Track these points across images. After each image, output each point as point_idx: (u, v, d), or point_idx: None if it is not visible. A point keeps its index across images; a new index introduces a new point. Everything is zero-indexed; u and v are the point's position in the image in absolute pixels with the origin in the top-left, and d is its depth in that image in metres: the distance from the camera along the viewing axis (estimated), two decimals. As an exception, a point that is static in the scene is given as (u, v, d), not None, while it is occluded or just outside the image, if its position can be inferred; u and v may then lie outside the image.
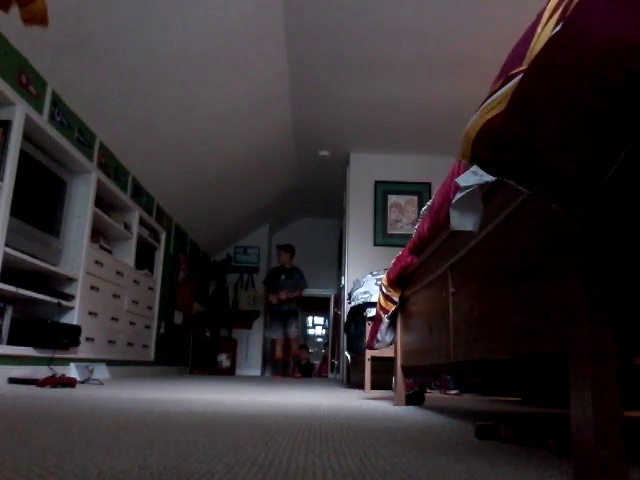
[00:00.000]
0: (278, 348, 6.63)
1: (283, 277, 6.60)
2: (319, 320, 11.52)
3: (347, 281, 5.61)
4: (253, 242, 8.26)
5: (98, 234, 4.07)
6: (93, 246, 3.82)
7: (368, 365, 3.62)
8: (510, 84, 0.67)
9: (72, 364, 3.34)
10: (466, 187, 1.03)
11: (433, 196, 1.56)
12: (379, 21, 3.74)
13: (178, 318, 6.31)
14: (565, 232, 0.75)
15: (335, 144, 5.84)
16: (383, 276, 2.35)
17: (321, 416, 1.58)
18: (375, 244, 5.71)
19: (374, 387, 3.67)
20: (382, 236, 5.73)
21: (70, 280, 3.49)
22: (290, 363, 6.82)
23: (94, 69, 3.28)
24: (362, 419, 1.56)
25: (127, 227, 4.51)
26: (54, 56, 3.01)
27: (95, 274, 3.80)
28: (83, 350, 3.56)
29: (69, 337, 3.26)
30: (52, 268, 3.23)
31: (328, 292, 8.63)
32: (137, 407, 1.64)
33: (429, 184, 5.75)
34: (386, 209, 5.81)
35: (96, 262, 3.82)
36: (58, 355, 3.17)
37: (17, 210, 2.88)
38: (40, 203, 3.22)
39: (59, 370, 3.10)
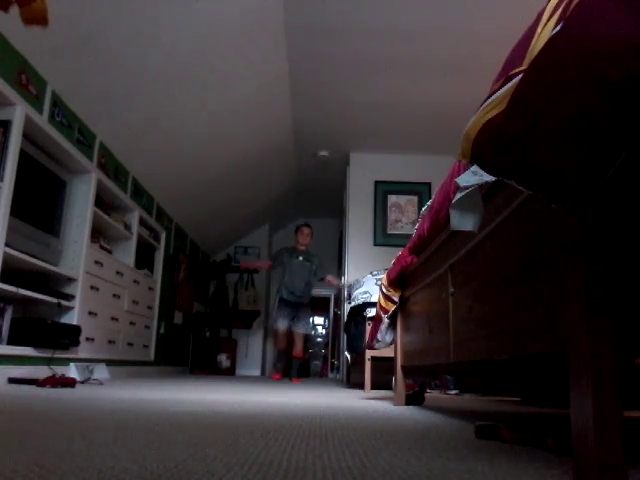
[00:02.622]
0: (282, 339, 5.45)
1: (301, 259, 5.41)
2: (319, 320, 11.52)
3: (347, 281, 5.61)
4: (253, 242, 8.26)
5: (98, 234, 4.07)
6: (93, 246, 3.82)
7: (368, 365, 3.62)
8: (510, 84, 0.67)
9: (72, 364, 3.34)
10: (466, 187, 1.03)
11: (433, 196, 1.56)
12: (379, 21, 3.74)
13: (178, 318, 6.31)
14: (565, 232, 0.75)
15: (335, 144, 5.84)
16: (383, 276, 2.35)
17: (321, 416, 1.58)
18: (375, 244, 5.72)
19: (374, 387, 3.67)
20: (382, 236, 5.74)
21: (70, 280, 3.49)
22: (293, 364, 5.59)
23: (94, 69, 3.28)
24: (362, 419, 1.56)
25: (127, 227, 4.51)
26: (54, 56, 3.01)
27: (95, 274, 3.80)
28: (83, 350, 3.56)
29: (69, 337, 3.26)
30: (52, 268, 3.23)
31: (328, 292, 8.63)
32: (137, 407, 1.64)
33: (429, 184, 5.75)
34: (386, 209, 5.81)
35: (96, 262, 3.82)
36: (58, 355, 3.17)
37: (17, 210, 2.87)
38: (40, 203, 3.22)
39: (59, 370, 3.10)
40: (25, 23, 2.67)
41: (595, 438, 0.64)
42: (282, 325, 5.43)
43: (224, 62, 3.92)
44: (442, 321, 1.56)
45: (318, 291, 8.62)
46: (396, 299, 2.22)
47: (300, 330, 5.45)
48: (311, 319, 5.68)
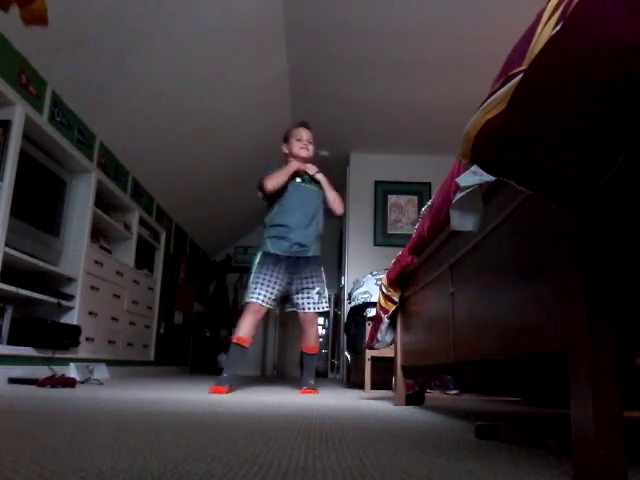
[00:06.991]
0: (251, 323, 3.13)
1: (300, 180, 3.48)
2: (319, 320, 11.50)
3: (347, 281, 5.61)
4: (253, 242, 8.25)
5: (98, 234, 4.07)
6: (93, 246, 3.82)
7: (368, 365, 3.62)
8: (510, 84, 0.67)
9: (72, 364, 3.34)
10: (466, 187, 1.03)
11: (433, 196, 1.56)
12: (379, 21, 3.74)
13: (178, 318, 6.31)
14: (565, 232, 0.75)
15: (335, 144, 5.84)
16: (383, 276, 2.35)
17: (321, 416, 1.58)
18: (375, 244, 5.71)
19: (374, 387, 3.67)
20: (382, 236, 5.73)
21: (70, 280, 3.49)
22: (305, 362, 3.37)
23: (94, 69, 3.28)
24: (362, 419, 1.56)
25: (127, 227, 4.51)
26: (54, 56, 3.01)
27: (95, 274, 3.80)
28: (83, 350, 3.56)
29: (69, 337, 3.26)
30: (52, 268, 3.23)
31: (328, 292, 8.63)
32: (137, 407, 1.64)
33: (429, 184, 5.75)
34: (386, 209, 5.81)
35: (96, 262, 3.82)
36: (58, 355, 3.17)
37: (17, 210, 2.87)
38: (40, 203, 3.22)
39: (59, 370, 3.09)
40: (25, 23, 2.67)
41: (595, 438, 0.64)
42: (262, 296, 3.06)
43: (224, 62, 3.92)
44: (442, 321, 1.56)
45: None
46: (396, 299, 2.22)
47: (311, 308, 3.26)
48: (325, 286, 3.37)
